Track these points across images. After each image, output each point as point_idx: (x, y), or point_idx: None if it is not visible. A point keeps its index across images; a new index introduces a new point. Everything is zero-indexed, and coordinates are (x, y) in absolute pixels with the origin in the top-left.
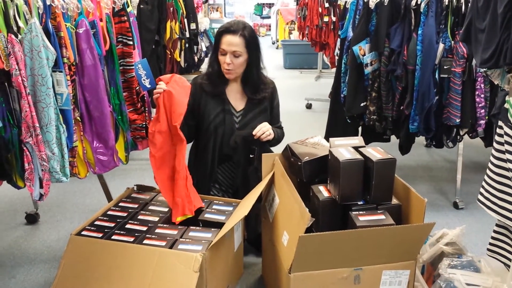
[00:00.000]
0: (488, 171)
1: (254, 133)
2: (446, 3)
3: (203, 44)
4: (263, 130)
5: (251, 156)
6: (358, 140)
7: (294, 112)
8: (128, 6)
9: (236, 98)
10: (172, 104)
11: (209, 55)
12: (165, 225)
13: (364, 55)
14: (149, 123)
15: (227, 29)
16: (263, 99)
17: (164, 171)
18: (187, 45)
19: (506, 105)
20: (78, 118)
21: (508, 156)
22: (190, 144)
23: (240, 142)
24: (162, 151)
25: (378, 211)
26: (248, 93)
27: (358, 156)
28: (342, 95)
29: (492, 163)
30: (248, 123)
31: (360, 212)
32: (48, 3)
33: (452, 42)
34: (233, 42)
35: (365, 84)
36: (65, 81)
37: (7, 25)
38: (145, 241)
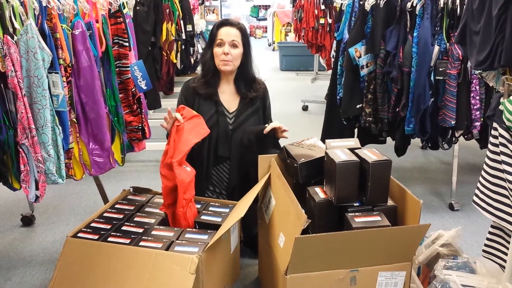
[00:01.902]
0: (483, 173)
1: (266, 131)
2: (442, 6)
3: (199, 46)
4: (280, 125)
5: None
6: (354, 142)
7: (290, 114)
8: (124, 8)
9: (228, 100)
10: (179, 140)
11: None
12: (161, 227)
13: (360, 57)
14: (145, 125)
15: (225, 22)
16: (255, 98)
17: (173, 198)
18: (183, 47)
19: (501, 107)
20: (74, 119)
21: (502, 157)
22: None
23: (254, 139)
24: (173, 182)
25: (374, 213)
26: (242, 90)
27: (354, 158)
28: (338, 97)
29: (487, 165)
30: (242, 124)
31: (356, 214)
32: (44, 4)
33: (447, 44)
34: (231, 32)
35: (361, 86)
36: (61, 83)
37: (3, 27)
38: (141, 243)
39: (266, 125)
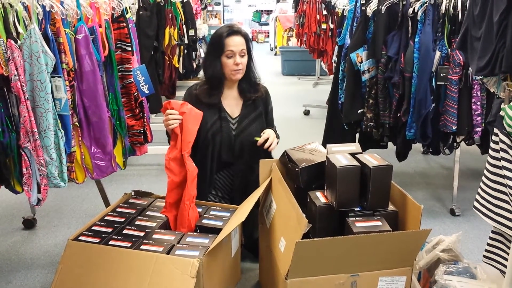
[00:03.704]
0: (483, 178)
1: (259, 143)
2: (443, 11)
3: (202, 51)
4: (270, 142)
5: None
6: (355, 147)
7: (292, 118)
8: (127, 13)
9: (231, 105)
10: (182, 132)
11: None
12: (162, 231)
13: (361, 62)
14: (147, 129)
15: (231, 31)
16: (258, 101)
17: (175, 195)
18: (185, 52)
19: (502, 113)
20: (77, 123)
21: (503, 163)
22: None
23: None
24: (179, 177)
25: (375, 218)
26: (245, 93)
27: (355, 163)
28: (339, 102)
29: (488, 170)
30: (245, 129)
31: (357, 218)
32: (47, 9)
33: (449, 50)
34: (239, 42)
35: (362, 91)
36: (64, 87)
37: (6, 31)
38: (142, 247)
39: (262, 133)
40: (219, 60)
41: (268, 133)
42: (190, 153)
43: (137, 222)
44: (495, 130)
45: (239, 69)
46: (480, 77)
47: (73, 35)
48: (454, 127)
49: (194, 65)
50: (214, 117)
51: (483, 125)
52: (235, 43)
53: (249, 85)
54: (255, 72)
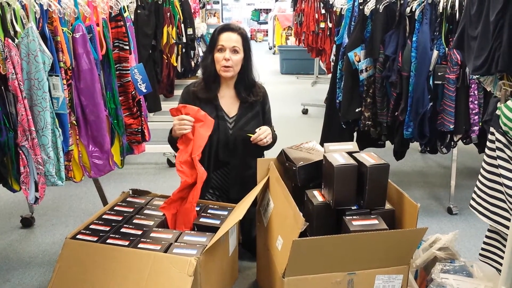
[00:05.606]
0: (480, 177)
1: (253, 138)
2: (441, 11)
3: (200, 49)
4: (261, 137)
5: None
6: (352, 146)
7: (290, 117)
8: (125, 11)
9: (228, 104)
10: (194, 136)
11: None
12: (160, 229)
13: (359, 61)
14: (145, 128)
15: (225, 27)
16: (255, 103)
17: (182, 194)
18: (183, 50)
19: (498, 112)
20: (74, 122)
21: (499, 162)
22: None
23: (241, 144)
24: (192, 179)
25: (372, 216)
26: (242, 95)
27: (352, 161)
28: (337, 101)
29: (484, 169)
30: (242, 128)
31: (354, 217)
32: (45, 7)
33: (446, 49)
34: (232, 38)
35: (360, 90)
36: (61, 85)
37: (4, 29)
38: (140, 245)
39: (258, 129)
40: (211, 55)
41: (263, 129)
42: (200, 156)
43: (135, 221)
44: (492, 129)
45: (228, 66)
46: (477, 76)
47: (70, 34)
48: (452, 126)
49: (192, 64)
50: (211, 116)
51: (480, 124)
52: (226, 38)
53: (245, 88)
54: (252, 75)
